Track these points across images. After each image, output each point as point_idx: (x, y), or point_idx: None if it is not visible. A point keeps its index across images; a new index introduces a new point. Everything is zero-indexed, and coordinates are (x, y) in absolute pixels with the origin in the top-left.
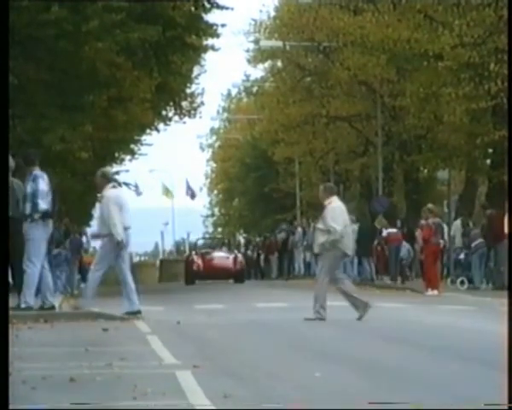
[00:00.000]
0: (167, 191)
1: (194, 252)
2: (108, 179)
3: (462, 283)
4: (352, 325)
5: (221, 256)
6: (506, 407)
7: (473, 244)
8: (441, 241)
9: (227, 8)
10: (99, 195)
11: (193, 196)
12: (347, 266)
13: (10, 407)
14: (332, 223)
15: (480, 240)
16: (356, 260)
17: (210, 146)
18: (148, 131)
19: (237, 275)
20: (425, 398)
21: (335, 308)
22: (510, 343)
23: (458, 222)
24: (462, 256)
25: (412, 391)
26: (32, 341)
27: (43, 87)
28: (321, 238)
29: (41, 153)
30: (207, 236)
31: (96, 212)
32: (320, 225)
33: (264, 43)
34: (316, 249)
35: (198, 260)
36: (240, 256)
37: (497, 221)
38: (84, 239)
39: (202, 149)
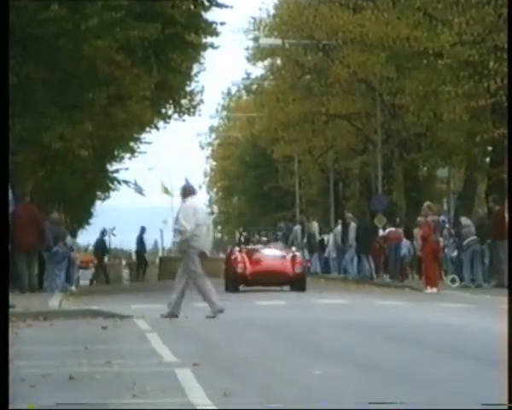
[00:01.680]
0: (166, 190)
1: (237, 248)
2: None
3: (452, 280)
4: (352, 324)
5: (275, 255)
6: (506, 407)
7: (464, 242)
8: (440, 238)
9: (226, 7)
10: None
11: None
12: (348, 264)
13: (10, 405)
14: (183, 222)
15: (472, 237)
16: (355, 258)
17: (209, 144)
18: (147, 129)
19: (296, 281)
20: (424, 397)
21: (335, 307)
22: (510, 343)
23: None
24: (454, 254)
25: (412, 390)
26: (32, 339)
27: (43, 86)
28: (176, 238)
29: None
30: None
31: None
32: (175, 226)
33: (264, 41)
34: (176, 249)
35: (244, 260)
36: (299, 255)
37: (501, 219)
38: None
39: (202, 147)
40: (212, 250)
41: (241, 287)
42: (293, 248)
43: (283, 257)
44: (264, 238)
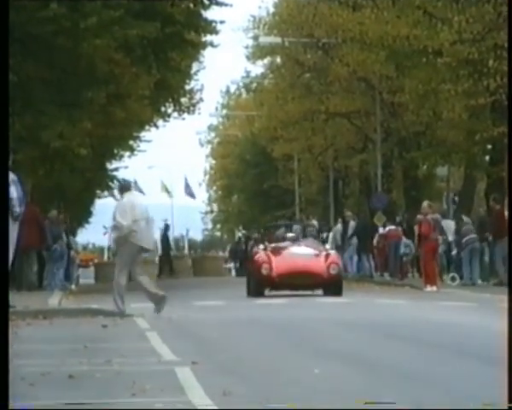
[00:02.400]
0: (166, 189)
1: (261, 246)
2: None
3: (452, 279)
4: (352, 322)
5: (305, 254)
6: (506, 407)
7: (463, 240)
8: (439, 237)
9: (226, 5)
10: None
11: (192, 195)
12: (347, 262)
13: (10, 404)
14: (119, 218)
15: (472, 235)
16: (355, 257)
17: (209, 142)
18: (146, 127)
19: (331, 284)
20: (424, 397)
21: (335, 306)
22: (510, 342)
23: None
24: (454, 252)
25: (412, 389)
26: (31, 337)
27: (42, 84)
28: (113, 234)
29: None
30: (282, 221)
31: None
32: (113, 222)
33: (263, 39)
34: (112, 245)
35: (269, 260)
36: (334, 254)
37: (501, 218)
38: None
39: (201, 144)
40: (212, 249)
41: (267, 291)
42: (327, 246)
43: (316, 256)
44: (292, 234)
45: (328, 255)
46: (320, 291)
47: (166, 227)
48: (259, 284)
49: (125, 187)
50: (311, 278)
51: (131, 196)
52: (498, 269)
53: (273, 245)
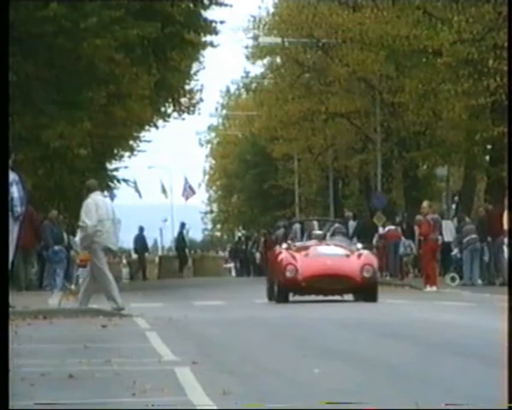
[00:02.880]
0: (163, 190)
1: (284, 245)
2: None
3: (452, 279)
4: (351, 322)
5: (335, 254)
6: (506, 407)
7: (465, 240)
8: (439, 237)
9: (226, 5)
10: None
11: (187, 197)
12: None
13: (10, 404)
14: (84, 218)
15: (473, 236)
16: None
17: (208, 142)
18: (146, 127)
19: (364, 288)
20: (424, 396)
21: (335, 305)
22: (510, 343)
23: (454, 220)
24: (455, 252)
25: (411, 389)
26: (31, 337)
27: (42, 84)
28: (79, 235)
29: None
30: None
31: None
32: (79, 222)
33: (263, 39)
34: (79, 246)
35: (294, 261)
36: (368, 254)
37: (495, 217)
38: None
39: (201, 145)
40: (212, 249)
41: (291, 296)
42: (359, 245)
43: (347, 256)
44: (319, 232)
45: (360, 256)
46: (350, 296)
47: (182, 226)
48: (283, 288)
49: (90, 187)
50: (341, 282)
51: (96, 197)
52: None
53: (298, 244)
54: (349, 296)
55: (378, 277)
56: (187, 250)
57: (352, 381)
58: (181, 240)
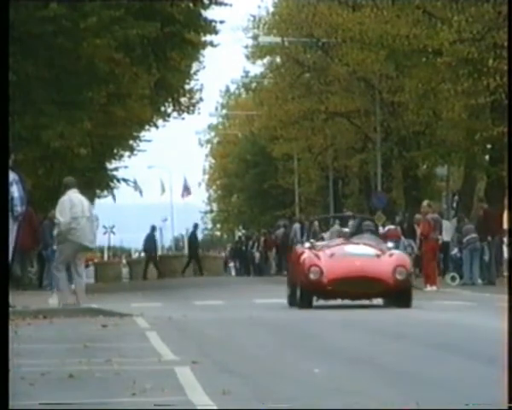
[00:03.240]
0: (162, 189)
1: (306, 244)
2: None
3: (452, 278)
4: (351, 322)
5: (365, 254)
6: (506, 407)
7: (464, 239)
8: (439, 237)
9: (225, 5)
10: None
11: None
12: None
13: (10, 404)
14: (58, 215)
15: (473, 235)
16: None
17: (208, 141)
18: (146, 127)
19: (397, 292)
20: (424, 396)
21: (335, 305)
22: (510, 343)
23: (455, 220)
24: (454, 252)
25: (411, 389)
26: (31, 337)
27: (42, 84)
28: (54, 231)
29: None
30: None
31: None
32: (54, 219)
33: (263, 39)
34: (54, 242)
35: (319, 262)
36: (400, 254)
37: (491, 217)
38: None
39: (201, 144)
40: (212, 249)
41: (315, 300)
42: (389, 244)
43: (378, 256)
44: (345, 229)
45: (392, 256)
46: (379, 301)
47: (195, 226)
48: (306, 291)
49: (67, 185)
50: (371, 285)
51: (72, 194)
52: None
53: (322, 243)
54: (378, 301)
55: (412, 279)
56: (200, 250)
57: (352, 381)
58: (194, 240)
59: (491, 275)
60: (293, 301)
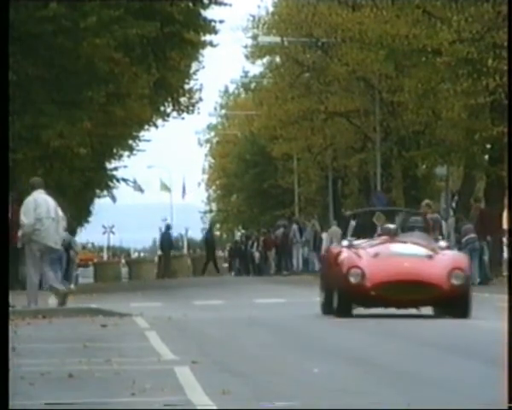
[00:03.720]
0: (165, 187)
1: (344, 242)
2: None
3: None
4: (351, 322)
5: (414, 254)
6: (506, 407)
7: (463, 239)
8: (439, 237)
9: (225, 4)
10: None
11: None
12: None
13: (9, 403)
14: (22, 217)
15: (472, 235)
16: None
17: (208, 141)
18: (146, 127)
19: (454, 299)
20: (424, 396)
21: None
22: (510, 343)
23: (452, 220)
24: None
25: (411, 389)
26: (31, 337)
27: (42, 83)
28: (19, 232)
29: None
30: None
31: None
32: (19, 220)
33: (263, 38)
34: (19, 243)
35: (360, 263)
36: (456, 254)
37: (487, 217)
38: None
39: (200, 144)
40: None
41: (355, 307)
42: (442, 243)
43: (429, 257)
44: (391, 226)
45: (447, 256)
46: (429, 310)
47: (211, 226)
48: (345, 297)
49: (34, 185)
50: (422, 291)
51: (38, 195)
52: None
53: (362, 241)
54: (427, 310)
55: (471, 284)
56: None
57: (352, 381)
58: (210, 241)
59: (486, 274)
60: (328, 309)
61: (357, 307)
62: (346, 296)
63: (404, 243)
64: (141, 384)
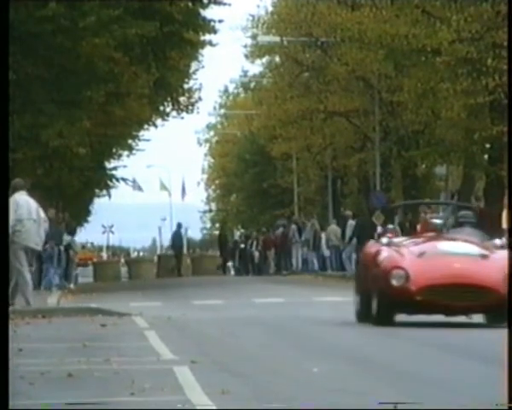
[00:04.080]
0: (164, 187)
1: (384, 240)
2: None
3: None
4: (350, 321)
5: (465, 254)
6: (506, 407)
7: None
8: None
9: (224, 4)
10: None
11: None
12: (345, 261)
13: (9, 403)
14: None
15: None
16: (354, 256)
17: (207, 141)
18: (145, 126)
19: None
20: (424, 396)
21: (334, 305)
22: (510, 343)
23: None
24: None
25: (411, 389)
26: (31, 336)
27: (41, 83)
28: None
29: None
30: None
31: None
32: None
33: (262, 38)
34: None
35: (404, 262)
36: None
37: (486, 216)
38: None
39: (200, 143)
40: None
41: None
42: (497, 241)
43: (483, 257)
44: (437, 220)
45: (503, 256)
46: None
47: (223, 225)
48: (387, 303)
49: (16, 187)
50: (476, 296)
51: (19, 196)
52: None
53: (404, 239)
54: (478, 318)
55: None
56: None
57: (352, 381)
58: (224, 240)
59: None
60: (364, 316)
61: (399, 313)
62: (387, 302)
63: (454, 240)
64: (140, 384)
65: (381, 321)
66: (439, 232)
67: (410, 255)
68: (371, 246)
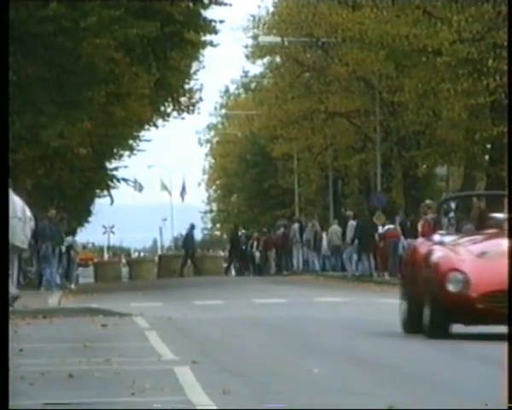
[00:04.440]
0: (165, 188)
1: (436, 237)
2: None
3: None
4: (351, 322)
5: None
6: (506, 407)
7: None
8: None
9: (225, 4)
10: None
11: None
12: (346, 261)
13: (9, 403)
14: None
15: None
16: (355, 256)
17: (208, 141)
18: (146, 126)
19: None
20: (424, 397)
21: (334, 305)
22: (510, 343)
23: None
24: None
25: (411, 390)
26: (31, 337)
27: (42, 83)
28: None
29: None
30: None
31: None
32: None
33: (263, 38)
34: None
35: (462, 264)
36: None
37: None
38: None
39: (200, 143)
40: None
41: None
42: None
43: None
44: (498, 215)
45: None
46: None
47: (236, 227)
48: (443, 311)
49: None
50: None
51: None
52: None
53: (458, 237)
54: None
55: None
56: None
57: (352, 381)
58: (236, 240)
59: None
60: (414, 327)
61: (455, 323)
62: (442, 310)
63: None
64: (141, 384)
65: (435, 332)
66: (502, 228)
67: (468, 256)
68: (421, 244)
